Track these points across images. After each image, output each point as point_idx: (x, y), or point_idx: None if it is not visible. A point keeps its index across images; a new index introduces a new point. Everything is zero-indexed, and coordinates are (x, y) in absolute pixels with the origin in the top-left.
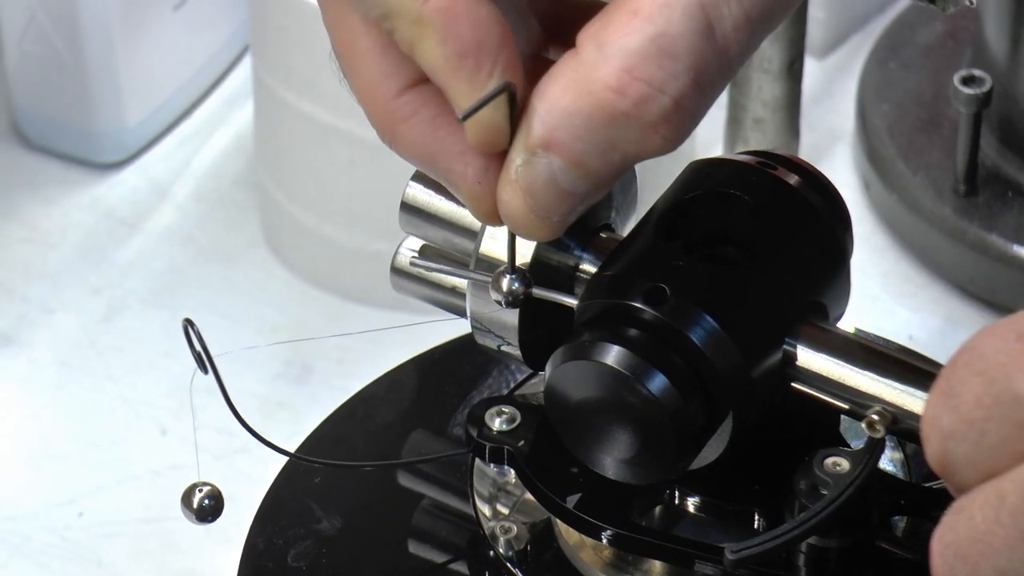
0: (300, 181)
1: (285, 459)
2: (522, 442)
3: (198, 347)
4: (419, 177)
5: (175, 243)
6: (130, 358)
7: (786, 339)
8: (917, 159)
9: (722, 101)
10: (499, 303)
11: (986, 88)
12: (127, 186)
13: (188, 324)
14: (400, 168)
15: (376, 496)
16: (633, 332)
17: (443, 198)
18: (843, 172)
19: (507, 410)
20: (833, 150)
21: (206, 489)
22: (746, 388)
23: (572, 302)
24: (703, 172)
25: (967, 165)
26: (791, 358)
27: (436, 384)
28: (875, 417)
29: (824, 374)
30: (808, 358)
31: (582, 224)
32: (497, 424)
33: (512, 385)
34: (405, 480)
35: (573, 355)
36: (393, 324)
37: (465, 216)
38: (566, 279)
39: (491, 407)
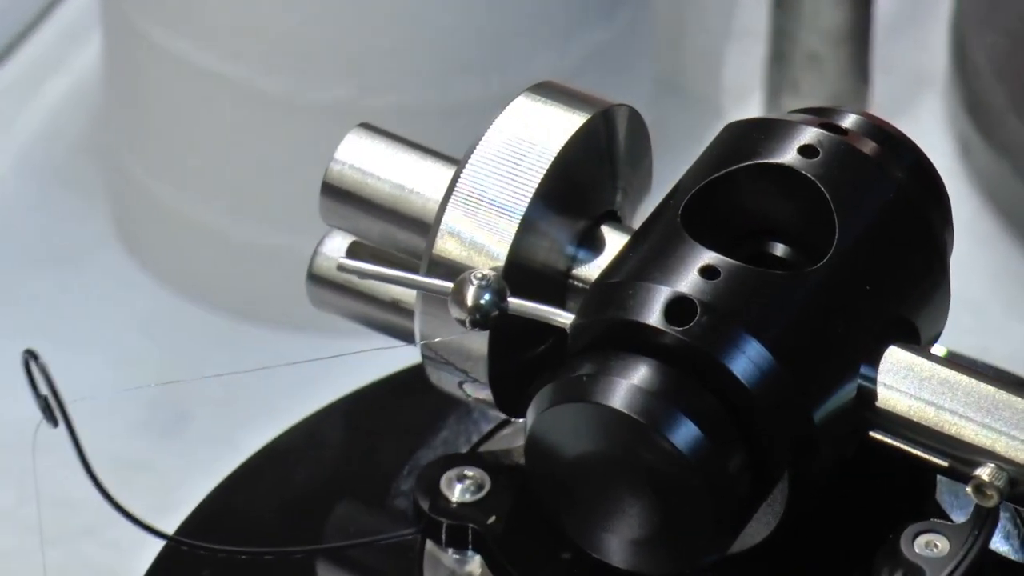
0: (170, 150)
1: (157, 544)
2: (493, 518)
3: (45, 389)
4: (350, 149)
5: None
6: None
7: (862, 371)
8: None
9: (760, 29)
10: (462, 322)
11: None
12: None
13: (30, 357)
14: (319, 133)
15: None
16: (650, 362)
17: (381, 177)
18: (931, 131)
19: (471, 473)
20: (917, 100)
21: None
22: (807, 438)
23: (565, 320)
24: (742, 138)
25: None
26: (869, 397)
27: (370, 437)
28: (985, 478)
29: (914, 419)
30: (892, 397)
31: (575, 210)
32: (458, 493)
33: (476, 439)
34: (329, 572)
35: (566, 395)
36: (308, 353)
37: (413, 202)
38: (554, 288)
39: (449, 469)
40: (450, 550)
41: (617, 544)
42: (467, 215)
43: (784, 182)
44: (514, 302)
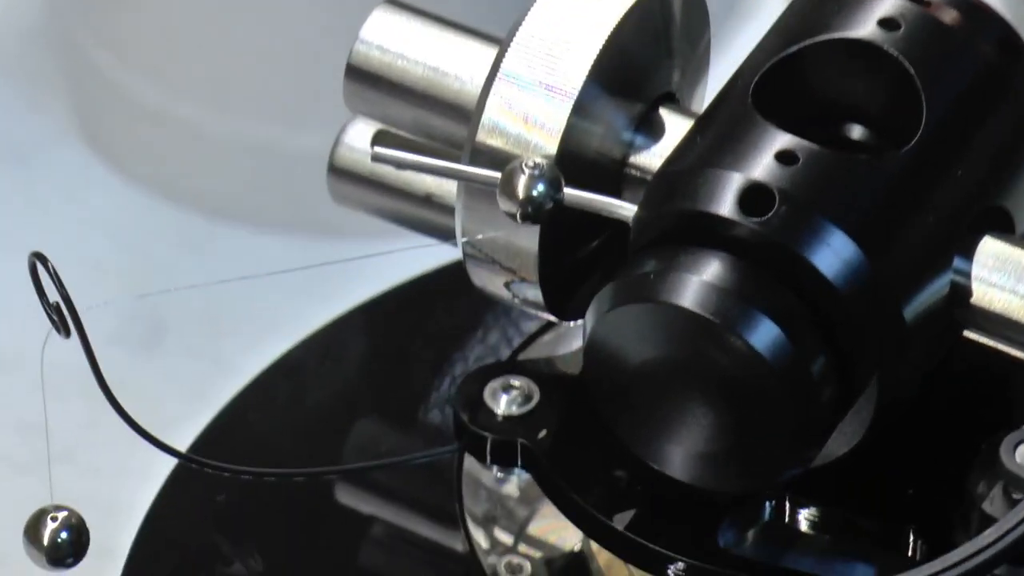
0: (136, 33)
1: (142, 470)
2: (543, 431)
3: (56, 295)
4: (377, 27)
5: None
6: None
7: (955, 264)
8: None
9: None
10: (512, 216)
11: None
12: None
13: (38, 260)
14: (315, 8)
15: (318, 521)
16: (723, 257)
17: (413, 58)
18: None
19: (518, 383)
20: None
21: (61, 517)
22: (897, 338)
23: (628, 212)
24: (815, 10)
25: None
26: (963, 292)
27: (395, 345)
28: None
29: (1014, 316)
30: (989, 292)
31: (631, 92)
32: (504, 405)
33: (516, 345)
34: (353, 497)
35: (631, 295)
36: (299, 257)
37: (450, 85)
38: (610, 178)
39: (491, 379)
40: (495, 468)
41: (686, 458)
42: (514, 98)
43: (864, 58)
44: (570, 193)
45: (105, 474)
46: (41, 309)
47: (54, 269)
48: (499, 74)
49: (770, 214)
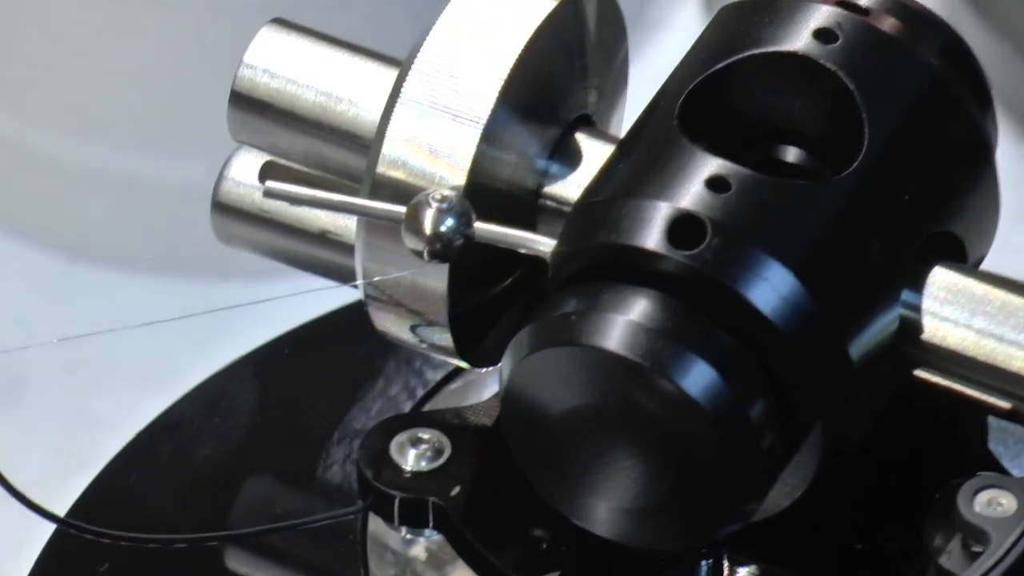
0: None
1: (21, 538)
2: (456, 488)
3: None
4: (263, 49)
5: None
6: None
7: (904, 297)
8: None
9: None
10: (419, 254)
11: None
12: None
13: None
14: (190, 22)
15: None
16: (651, 294)
17: (304, 83)
18: None
19: (427, 435)
20: None
21: None
22: (843, 379)
23: (545, 246)
24: (743, 22)
25: None
26: (913, 328)
27: (289, 396)
28: None
29: (968, 352)
30: (941, 327)
31: (544, 116)
32: (412, 460)
33: (422, 394)
34: (247, 564)
35: (551, 337)
36: (170, 300)
37: (346, 113)
38: (524, 211)
39: (398, 432)
40: (403, 530)
41: (613, 514)
42: (417, 126)
43: (799, 74)
44: (481, 227)
45: None
46: None
47: None
48: (399, 100)
49: (702, 246)
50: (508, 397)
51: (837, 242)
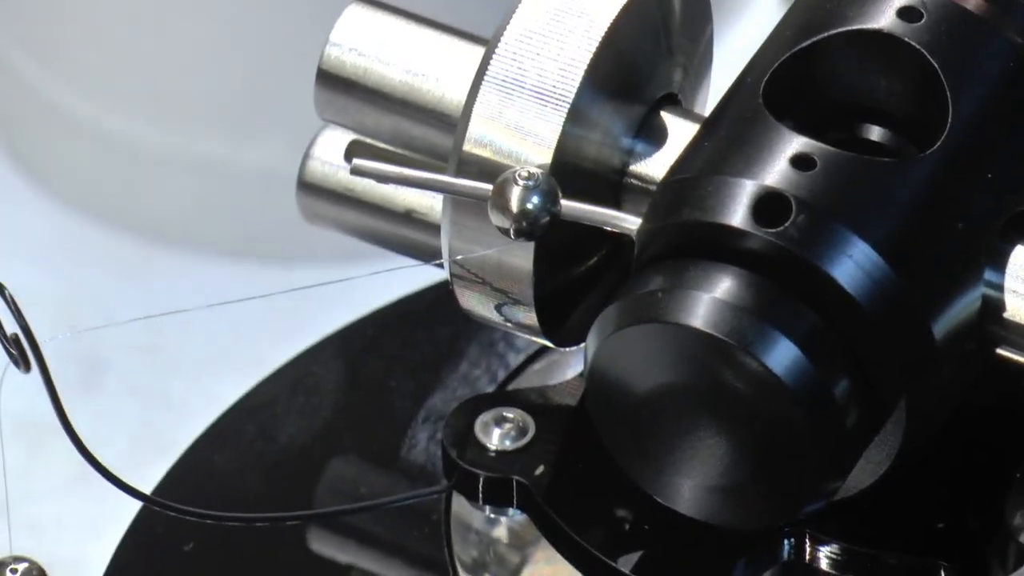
0: (67, 41)
1: (103, 518)
2: (541, 467)
3: (15, 327)
4: (349, 28)
5: None
6: None
7: (987, 276)
8: None
9: None
10: (506, 231)
11: None
12: None
13: None
14: (264, 7)
15: (287, 571)
16: (737, 272)
17: (390, 61)
18: None
19: (512, 415)
20: None
21: (22, 569)
22: (927, 358)
23: (631, 224)
24: (830, 0)
25: None
26: (996, 307)
27: (373, 377)
28: None
29: None
30: (1023, 307)
31: (630, 95)
32: (497, 439)
33: (503, 375)
34: (330, 544)
35: (637, 316)
36: (247, 286)
37: (432, 91)
38: (609, 190)
39: (482, 411)
40: (487, 509)
41: (698, 492)
42: (503, 104)
43: (883, 52)
44: (568, 205)
45: (48, 526)
46: None
47: (13, 299)
48: (485, 78)
49: (787, 224)
50: (593, 375)
51: (921, 220)
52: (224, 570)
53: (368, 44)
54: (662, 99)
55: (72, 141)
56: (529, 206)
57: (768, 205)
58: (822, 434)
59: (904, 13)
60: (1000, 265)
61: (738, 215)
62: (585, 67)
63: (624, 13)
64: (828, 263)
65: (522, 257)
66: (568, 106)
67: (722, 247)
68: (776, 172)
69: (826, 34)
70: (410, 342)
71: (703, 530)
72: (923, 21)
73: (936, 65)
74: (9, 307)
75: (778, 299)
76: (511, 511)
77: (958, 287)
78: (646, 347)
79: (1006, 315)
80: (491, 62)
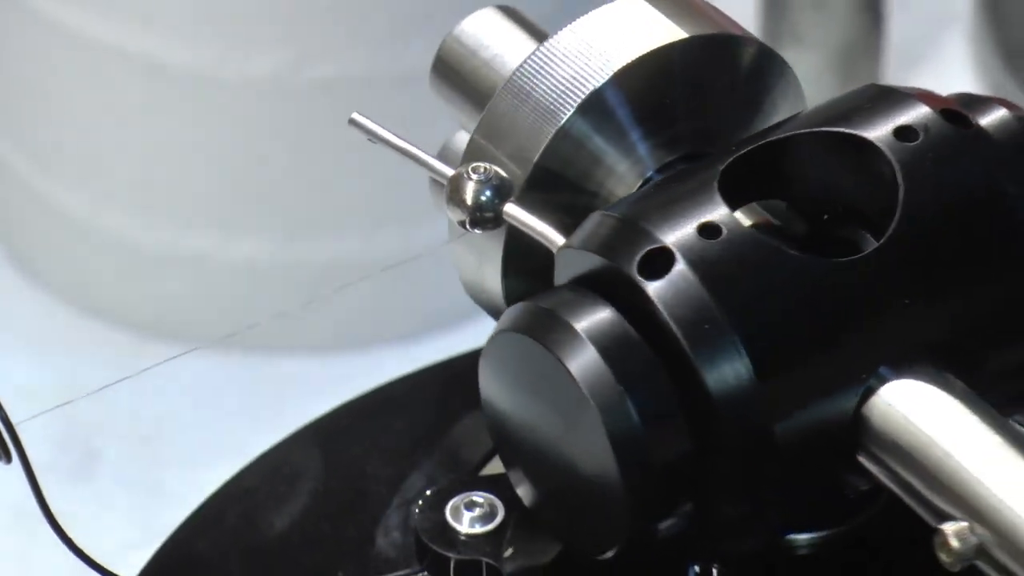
0: (62, 142)
1: None
2: (509, 550)
3: None
4: (480, 22)
5: None
6: None
7: (872, 381)
8: None
9: None
10: (462, 223)
11: None
12: None
13: None
14: (248, 113)
15: None
16: (607, 310)
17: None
18: (957, 74)
19: (480, 499)
20: (941, 41)
21: None
22: (766, 454)
23: (557, 242)
24: (854, 100)
25: None
26: (863, 421)
27: (350, 463)
28: (950, 537)
29: (903, 446)
30: (890, 419)
31: (623, 133)
32: (467, 523)
33: (478, 460)
34: None
35: (511, 323)
36: (237, 373)
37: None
38: (584, 205)
39: (454, 496)
40: None
41: (552, 504)
42: (514, 104)
43: (858, 158)
44: (511, 208)
45: None
46: None
47: None
48: (508, 80)
49: (662, 280)
50: (482, 375)
51: (803, 320)
52: None
53: (484, 48)
54: (682, 157)
55: (64, 236)
56: (483, 199)
57: (655, 258)
58: (626, 459)
59: (901, 131)
60: (883, 378)
61: (625, 260)
62: (584, 95)
63: (639, 62)
64: (686, 329)
65: (494, 244)
66: (558, 125)
67: (610, 285)
68: (680, 232)
69: (815, 129)
70: (386, 429)
71: None
72: (916, 142)
73: (901, 187)
74: None
75: (619, 333)
76: None
77: (821, 396)
78: (511, 352)
79: (871, 421)
80: (520, 66)
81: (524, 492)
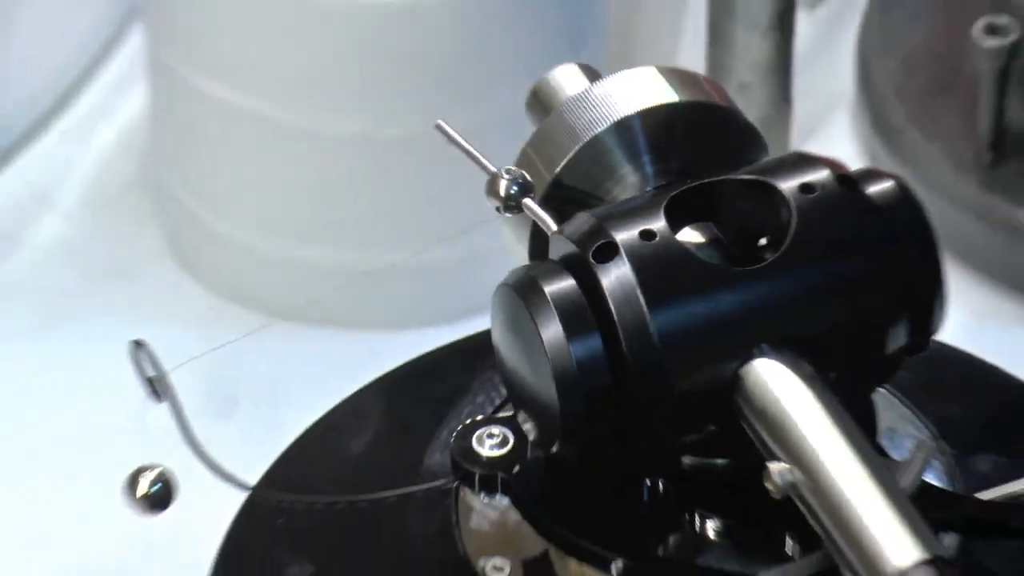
0: (209, 178)
1: (234, 506)
2: (517, 467)
3: (150, 371)
4: (567, 73)
5: (63, 258)
6: (22, 395)
7: (754, 351)
8: (931, 126)
9: (699, 64)
10: (497, 208)
11: (1012, 38)
12: (0, 193)
13: (136, 346)
14: (339, 160)
15: (351, 537)
16: (569, 278)
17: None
18: (843, 143)
19: (496, 432)
20: (830, 119)
21: (154, 473)
22: (665, 402)
23: (552, 227)
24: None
25: (992, 130)
26: (739, 382)
27: (405, 407)
28: (774, 474)
29: (756, 399)
30: (756, 380)
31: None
32: (487, 448)
33: (496, 404)
34: (382, 519)
35: (509, 279)
36: (328, 342)
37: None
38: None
39: (478, 429)
40: (482, 494)
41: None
42: (557, 126)
43: (768, 200)
44: (528, 201)
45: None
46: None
47: (151, 351)
48: (562, 103)
49: (608, 263)
50: (492, 315)
51: (700, 308)
52: (311, 535)
53: (563, 92)
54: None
55: (214, 246)
56: (510, 192)
57: (605, 249)
58: (565, 394)
59: (805, 186)
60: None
61: (587, 248)
62: (593, 134)
63: (641, 112)
64: (617, 302)
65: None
66: (580, 144)
67: (574, 264)
68: (627, 233)
69: (740, 176)
70: (434, 383)
71: (633, 508)
72: (813, 195)
73: (793, 224)
74: (148, 358)
75: (574, 298)
76: (499, 497)
77: (708, 361)
78: (506, 303)
79: (746, 389)
80: (561, 105)
81: (512, 400)
